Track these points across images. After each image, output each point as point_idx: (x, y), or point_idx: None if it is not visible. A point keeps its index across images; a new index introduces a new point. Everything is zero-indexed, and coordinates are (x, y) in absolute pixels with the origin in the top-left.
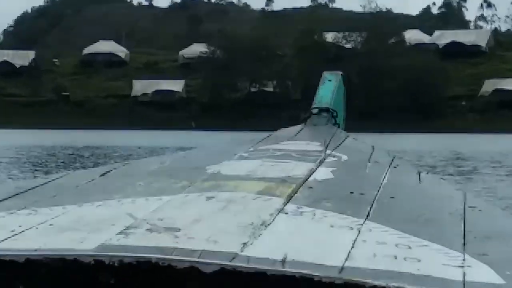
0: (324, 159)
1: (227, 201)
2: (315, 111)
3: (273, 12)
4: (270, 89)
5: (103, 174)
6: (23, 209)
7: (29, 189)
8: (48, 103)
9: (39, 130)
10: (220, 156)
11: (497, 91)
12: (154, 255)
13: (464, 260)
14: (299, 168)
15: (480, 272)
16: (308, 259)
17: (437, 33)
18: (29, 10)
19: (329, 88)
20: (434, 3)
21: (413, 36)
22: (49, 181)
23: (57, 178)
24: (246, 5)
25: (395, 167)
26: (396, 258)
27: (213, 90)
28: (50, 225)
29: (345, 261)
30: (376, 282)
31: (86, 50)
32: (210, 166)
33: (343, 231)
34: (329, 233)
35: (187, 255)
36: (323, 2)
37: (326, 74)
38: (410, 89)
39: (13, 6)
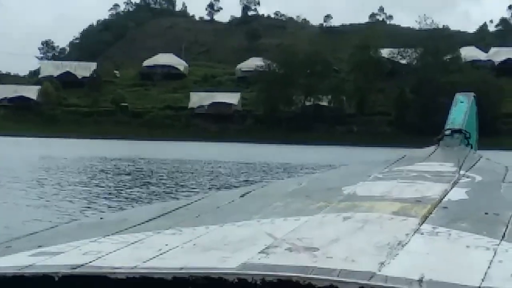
0: (458, 179)
1: (363, 221)
2: (448, 132)
3: (331, 28)
4: (325, 103)
5: (243, 195)
6: (169, 228)
7: (174, 210)
8: (107, 113)
9: (97, 139)
10: (355, 177)
11: None
12: (294, 274)
13: None
14: (434, 188)
15: None
16: (445, 279)
17: (493, 50)
18: (95, 23)
19: (461, 110)
20: (491, 21)
21: (468, 53)
22: (192, 202)
23: (199, 200)
24: (305, 21)
25: None
26: None
27: (268, 103)
28: (194, 244)
29: (482, 282)
30: None
31: (146, 63)
32: (346, 187)
33: (479, 251)
34: (465, 253)
35: (326, 274)
36: (381, 19)
37: (459, 96)
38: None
39: (80, 18)
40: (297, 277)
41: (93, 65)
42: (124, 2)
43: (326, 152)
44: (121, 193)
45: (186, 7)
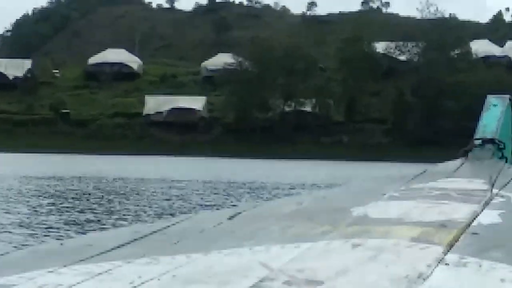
0: (491, 199)
1: (377, 249)
2: (478, 142)
3: (315, 17)
4: (308, 108)
5: (231, 217)
6: (142, 257)
7: (148, 234)
8: (45, 122)
9: (31, 153)
10: (366, 196)
11: None
12: None
13: None
14: (461, 210)
15: None
16: None
17: (509, 44)
18: (30, 12)
19: (494, 115)
20: (507, 9)
21: (481, 47)
22: (170, 225)
23: (178, 222)
24: (284, 10)
25: None
26: None
27: (239, 108)
28: (173, 276)
29: None
30: None
31: (92, 60)
32: (356, 207)
33: None
34: None
35: None
36: (375, 7)
37: (491, 98)
38: (476, 111)
39: (12, 7)
40: None
41: (27, 63)
42: None
43: (310, 168)
44: (26, 221)
45: None
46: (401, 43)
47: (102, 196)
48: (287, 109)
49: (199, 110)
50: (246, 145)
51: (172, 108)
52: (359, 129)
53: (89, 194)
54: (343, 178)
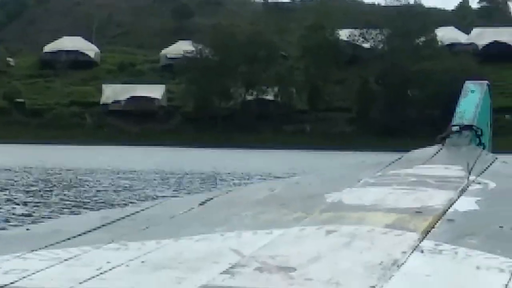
0: (467, 186)
1: (351, 236)
2: (455, 129)
3: (277, 4)
4: (271, 97)
5: (202, 203)
6: (111, 242)
7: (117, 220)
8: None
9: None
10: (341, 182)
11: None
12: None
13: None
14: (437, 197)
15: None
16: None
17: (476, 31)
18: None
19: (472, 101)
20: None
21: (447, 34)
22: (140, 211)
23: (148, 208)
24: None
25: None
26: None
27: (200, 97)
28: (142, 262)
29: None
30: None
31: (48, 48)
32: (330, 194)
33: (492, 273)
34: (475, 275)
35: None
36: None
37: (469, 84)
38: (442, 99)
39: None
40: None
41: None
42: None
43: (272, 158)
44: None
45: None
46: (365, 30)
47: (42, 188)
48: (248, 97)
49: (158, 99)
50: (207, 134)
51: (131, 97)
52: (322, 118)
53: (31, 185)
54: (304, 169)
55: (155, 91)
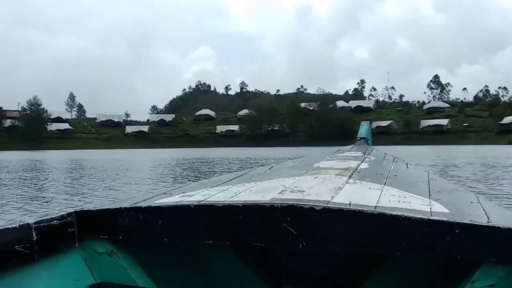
0: (364, 159)
1: (323, 178)
2: (358, 138)
3: (280, 95)
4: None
5: (269, 169)
6: (240, 184)
7: (242, 175)
8: None
9: None
10: (318, 159)
11: None
12: (296, 203)
13: (430, 202)
14: (353, 163)
15: (437, 207)
16: (360, 203)
17: (351, 102)
18: None
19: (364, 128)
20: (350, 89)
21: (340, 104)
22: (247, 172)
23: (249, 171)
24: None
25: (395, 161)
26: (398, 202)
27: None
28: (250, 190)
29: (376, 204)
30: (392, 212)
31: None
32: (314, 163)
33: (375, 191)
34: (369, 192)
35: (308, 203)
36: (302, 90)
37: (363, 122)
38: (338, 127)
39: None
40: (299, 204)
41: None
42: None
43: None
44: None
45: None
46: (311, 103)
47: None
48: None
49: None
50: None
51: None
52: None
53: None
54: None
55: None
